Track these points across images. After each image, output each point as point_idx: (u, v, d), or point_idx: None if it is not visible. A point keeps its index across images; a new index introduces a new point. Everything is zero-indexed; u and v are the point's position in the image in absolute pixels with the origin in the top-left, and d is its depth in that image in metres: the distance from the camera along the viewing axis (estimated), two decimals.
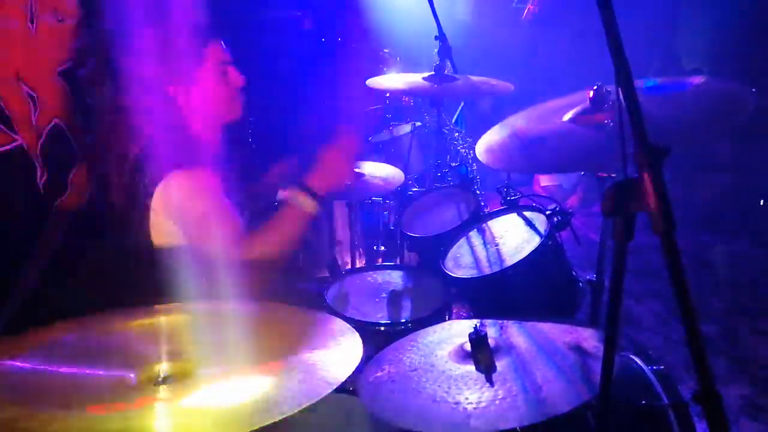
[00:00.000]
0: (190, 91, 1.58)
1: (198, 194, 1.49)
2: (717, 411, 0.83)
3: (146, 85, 1.55)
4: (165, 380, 0.90)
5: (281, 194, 1.56)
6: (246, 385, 0.85)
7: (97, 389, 0.87)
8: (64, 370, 0.91)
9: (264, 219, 1.61)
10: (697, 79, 1.47)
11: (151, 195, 1.50)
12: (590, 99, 1.48)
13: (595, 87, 1.47)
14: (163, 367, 0.92)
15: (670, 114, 1.38)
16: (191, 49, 1.57)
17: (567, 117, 1.57)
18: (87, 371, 0.91)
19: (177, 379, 0.90)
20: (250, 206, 1.79)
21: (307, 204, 1.54)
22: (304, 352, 0.94)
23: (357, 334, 1.01)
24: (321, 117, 3.63)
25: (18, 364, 0.92)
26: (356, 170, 2.28)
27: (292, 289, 2.35)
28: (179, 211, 1.49)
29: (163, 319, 1.04)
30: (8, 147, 1.70)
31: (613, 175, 1.46)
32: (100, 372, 0.91)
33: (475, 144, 1.73)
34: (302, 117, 3.55)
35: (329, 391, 0.83)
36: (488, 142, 1.67)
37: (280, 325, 1.04)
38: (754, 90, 1.30)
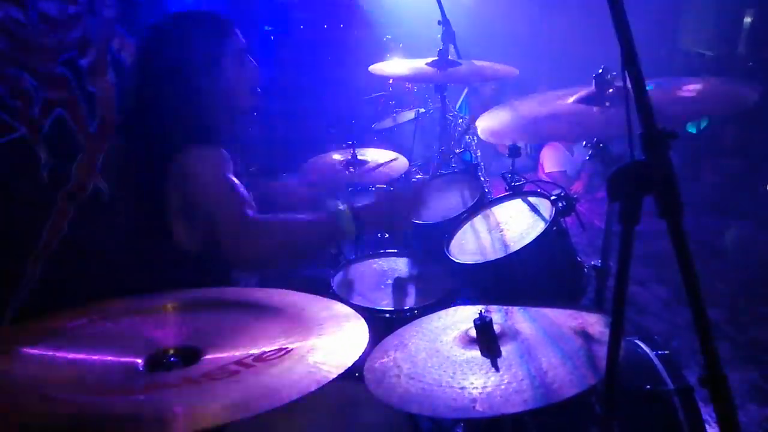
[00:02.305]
0: (215, 80, 1.57)
1: (208, 168, 1.49)
2: (724, 394, 0.83)
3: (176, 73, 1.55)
4: (172, 366, 0.91)
5: (329, 202, 1.52)
6: (252, 370, 0.86)
7: (105, 375, 0.88)
8: (72, 356, 0.92)
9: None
10: (692, 86, 1.44)
11: (165, 174, 1.49)
12: (594, 83, 1.47)
13: (599, 70, 1.46)
14: (170, 353, 0.93)
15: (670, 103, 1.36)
16: (214, 38, 1.57)
17: (571, 99, 1.56)
18: (95, 357, 0.92)
19: (184, 364, 0.91)
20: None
21: (348, 225, 1.48)
22: (310, 337, 0.94)
23: (363, 320, 1.01)
24: (323, 101, 3.62)
25: (27, 351, 0.92)
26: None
27: (298, 275, 2.36)
28: (186, 182, 1.49)
29: (170, 305, 1.05)
30: (11, 137, 1.70)
31: (617, 160, 1.45)
32: (109, 358, 0.92)
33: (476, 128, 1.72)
34: (305, 102, 3.54)
35: (335, 376, 0.84)
36: (489, 122, 1.66)
37: (287, 311, 1.04)
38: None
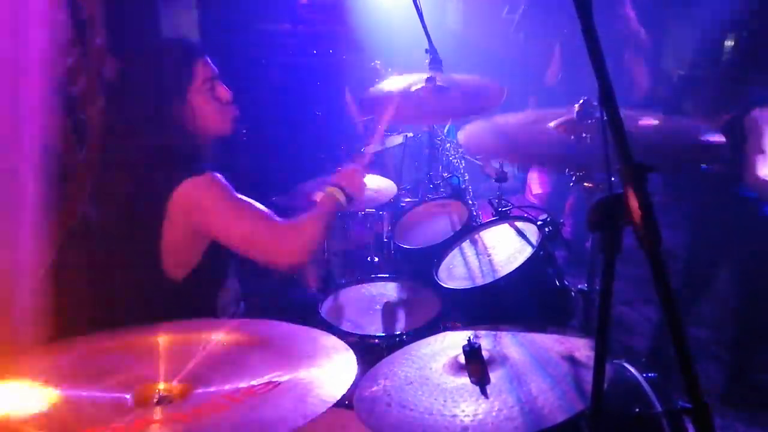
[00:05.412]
0: (182, 109, 1.59)
1: (217, 192, 1.54)
2: (705, 422, 0.84)
3: (141, 102, 1.58)
4: (161, 401, 0.91)
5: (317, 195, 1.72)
6: (242, 405, 0.86)
7: (93, 411, 0.88)
8: (60, 391, 0.91)
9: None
10: (650, 121, 1.50)
11: (160, 205, 1.51)
12: (577, 112, 1.50)
13: (581, 101, 1.50)
14: (159, 388, 0.93)
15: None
16: (181, 68, 1.59)
17: (552, 124, 1.60)
18: (83, 393, 0.92)
19: (173, 399, 0.91)
20: None
21: (341, 198, 1.69)
22: (299, 369, 0.95)
23: (352, 352, 1.02)
24: (313, 127, 3.66)
25: (14, 385, 0.92)
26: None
27: (287, 301, 2.36)
28: (203, 211, 1.52)
29: (159, 339, 1.05)
30: (3, 166, 1.70)
31: (600, 185, 1.48)
32: (97, 393, 0.91)
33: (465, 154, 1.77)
34: (295, 127, 3.57)
35: (325, 409, 0.84)
36: (472, 132, 1.72)
37: (275, 343, 1.05)
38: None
